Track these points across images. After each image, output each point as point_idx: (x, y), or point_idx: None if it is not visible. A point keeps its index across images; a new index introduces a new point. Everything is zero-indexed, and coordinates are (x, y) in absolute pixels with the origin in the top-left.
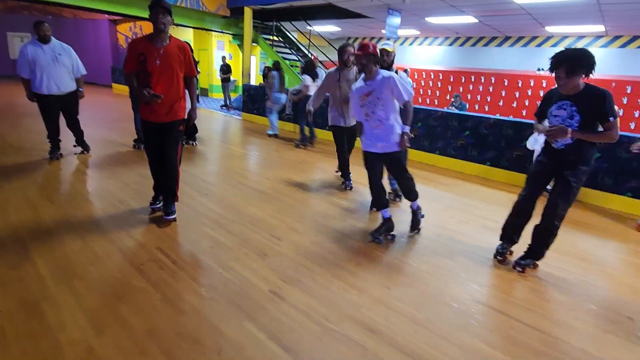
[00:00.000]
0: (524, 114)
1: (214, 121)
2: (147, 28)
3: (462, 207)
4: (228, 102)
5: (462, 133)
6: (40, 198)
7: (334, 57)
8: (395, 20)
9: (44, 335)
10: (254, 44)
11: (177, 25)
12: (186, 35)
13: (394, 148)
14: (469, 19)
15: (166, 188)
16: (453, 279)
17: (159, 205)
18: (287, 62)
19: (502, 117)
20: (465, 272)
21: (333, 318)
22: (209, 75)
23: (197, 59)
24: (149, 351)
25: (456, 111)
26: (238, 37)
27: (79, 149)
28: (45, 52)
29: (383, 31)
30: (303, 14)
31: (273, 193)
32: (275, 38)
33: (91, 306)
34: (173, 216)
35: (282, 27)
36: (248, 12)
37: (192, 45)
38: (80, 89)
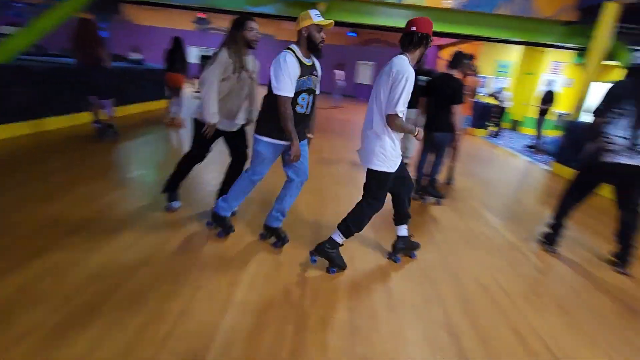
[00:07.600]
0: None
1: (502, 166)
2: (469, 49)
3: None
4: (537, 142)
5: None
6: None
7: None
8: None
9: None
10: (609, 62)
11: (492, 40)
12: (511, 54)
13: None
14: None
15: None
16: None
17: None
18: None
19: None
20: None
21: None
22: (527, 105)
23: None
24: None
25: None
26: (584, 52)
27: None
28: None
29: None
30: None
31: None
32: None
33: None
34: None
35: None
36: (610, 9)
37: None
38: None
